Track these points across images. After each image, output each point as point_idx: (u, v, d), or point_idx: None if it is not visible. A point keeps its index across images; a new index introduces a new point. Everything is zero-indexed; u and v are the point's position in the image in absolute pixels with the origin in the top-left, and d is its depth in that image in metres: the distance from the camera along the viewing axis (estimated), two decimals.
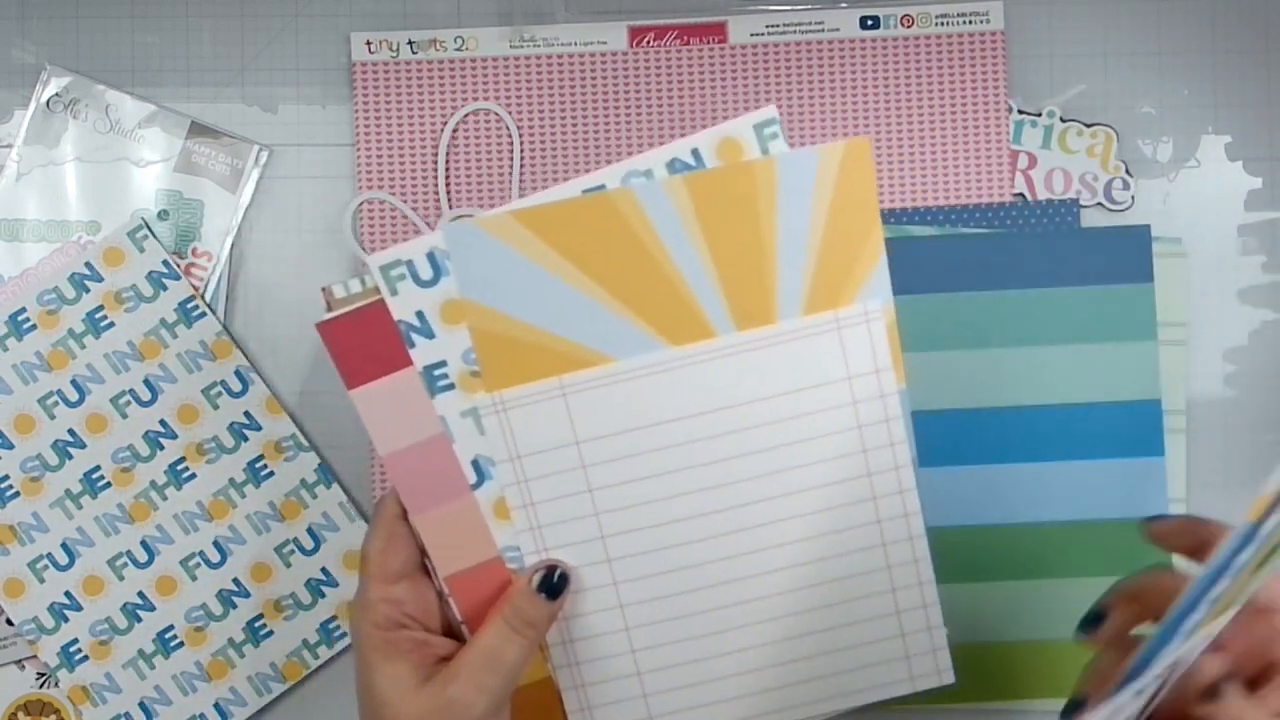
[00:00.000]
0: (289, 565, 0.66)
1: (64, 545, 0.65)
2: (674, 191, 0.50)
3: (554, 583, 0.50)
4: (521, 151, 0.67)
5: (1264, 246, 0.68)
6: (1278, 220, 0.68)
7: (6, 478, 0.65)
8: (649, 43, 0.67)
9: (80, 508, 0.65)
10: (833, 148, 0.51)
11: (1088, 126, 0.68)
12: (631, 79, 0.67)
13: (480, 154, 0.67)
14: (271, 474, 0.66)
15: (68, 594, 0.65)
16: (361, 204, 0.67)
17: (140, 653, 0.65)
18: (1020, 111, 0.68)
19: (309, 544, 0.66)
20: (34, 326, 0.65)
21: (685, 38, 0.67)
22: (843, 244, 0.52)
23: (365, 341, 0.49)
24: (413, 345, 0.50)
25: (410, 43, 0.67)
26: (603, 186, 0.50)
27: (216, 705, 0.66)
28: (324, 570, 0.66)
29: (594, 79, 0.67)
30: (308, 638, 0.66)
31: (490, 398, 0.50)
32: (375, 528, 0.51)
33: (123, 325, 0.65)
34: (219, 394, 0.66)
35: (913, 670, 0.54)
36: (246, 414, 0.66)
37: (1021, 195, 0.67)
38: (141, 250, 0.66)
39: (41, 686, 0.66)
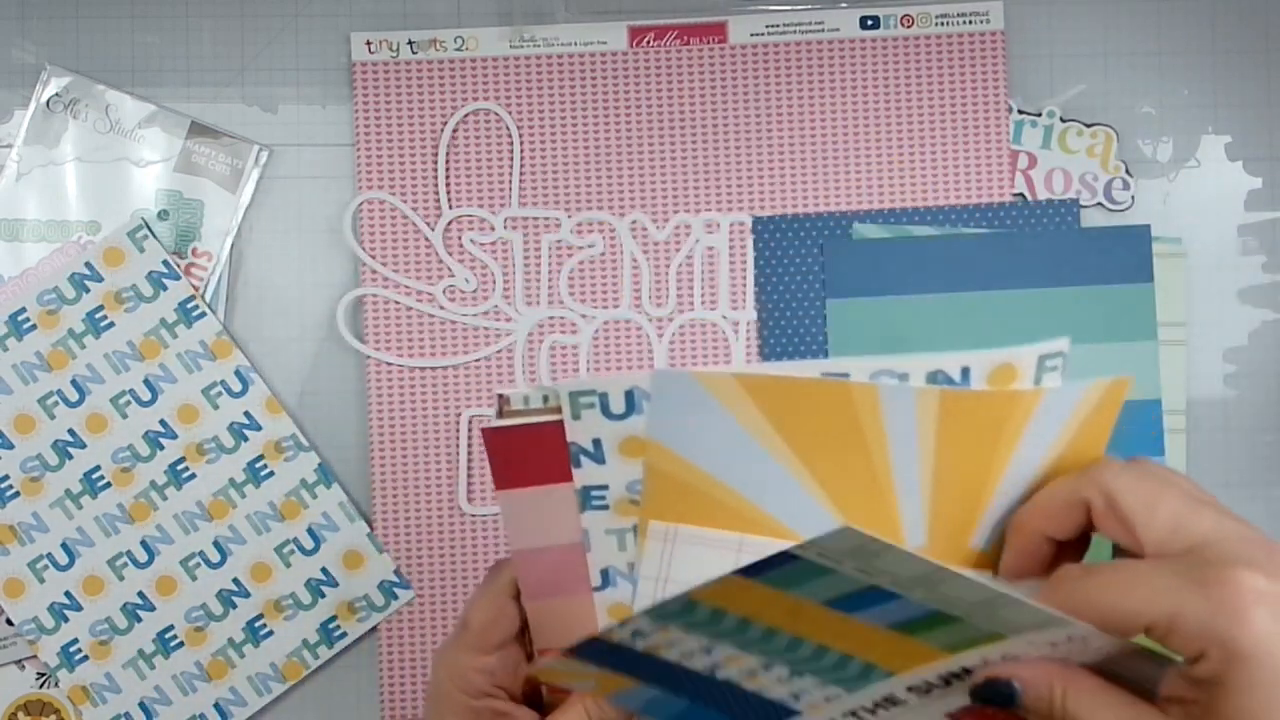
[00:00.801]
0: (289, 565, 0.66)
1: (64, 545, 0.65)
2: (925, 402, 0.45)
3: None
4: (521, 151, 0.67)
5: (1264, 246, 0.68)
6: (1278, 220, 0.68)
7: (6, 478, 0.65)
8: (649, 43, 0.67)
9: (80, 508, 0.65)
10: (1098, 385, 0.46)
11: (1088, 126, 0.68)
12: (631, 79, 0.67)
13: (480, 154, 0.67)
14: (271, 474, 0.66)
15: (68, 594, 0.65)
16: (361, 204, 0.67)
17: (140, 653, 0.65)
18: (1020, 111, 0.68)
19: (309, 544, 0.66)
20: (34, 326, 0.65)
21: (685, 38, 0.67)
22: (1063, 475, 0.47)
23: (528, 454, 0.48)
24: (578, 465, 0.49)
25: (410, 43, 0.67)
26: (847, 375, 0.46)
27: (216, 705, 0.66)
28: (324, 570, 0.66)
29: (594, 79, 0.67)
30: (308, 638, 0.66)
31: (664, 527, 0.50)
32: (484, 598, 0.50)
33: (123, 325, 0.65)
34: (219, 394, 0.66)
35: None
36: (246, 414, 0.66)
37: (1021, 195, 0.67)
38: (141, 250, 0.66)
39: (41, 686, 0.66)
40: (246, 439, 0.66)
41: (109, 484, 0.65)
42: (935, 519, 0.48)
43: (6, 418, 0.65)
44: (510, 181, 0.67)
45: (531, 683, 0.51)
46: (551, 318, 0.67)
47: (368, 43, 0.67)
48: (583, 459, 0.49)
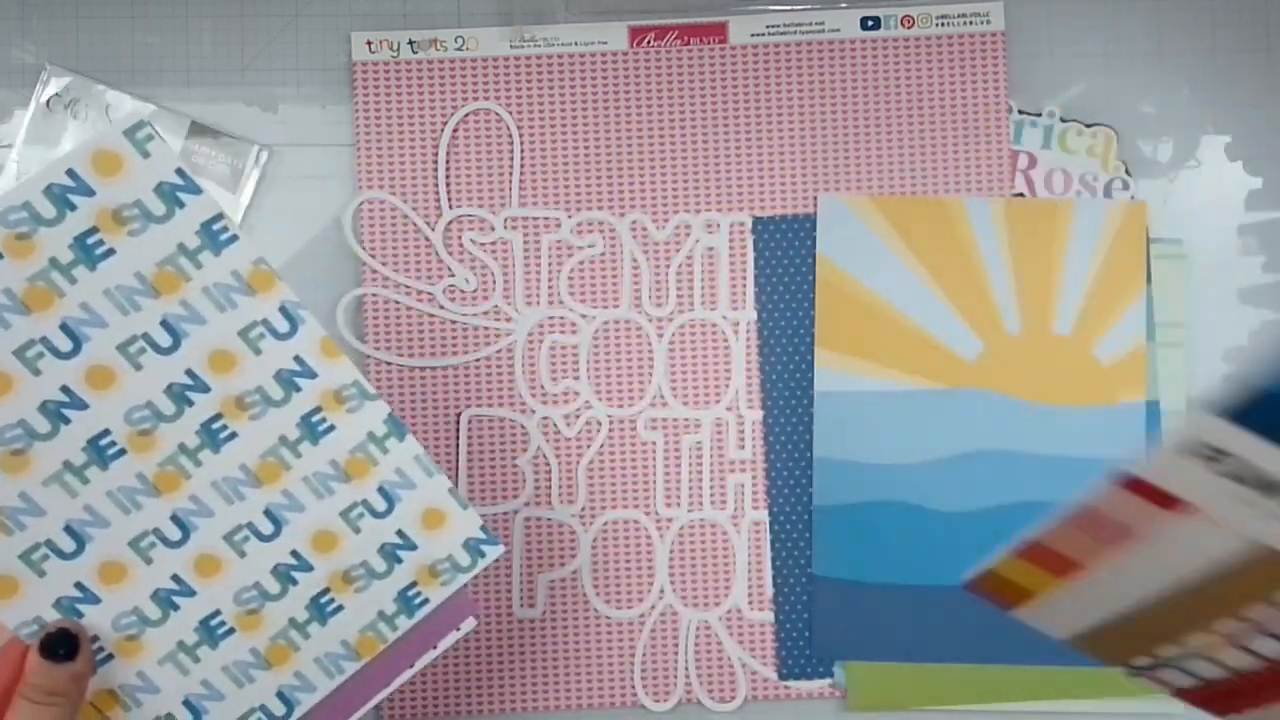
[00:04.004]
0: (357, 531, 0.57)
1: (66, 528, 0.63)
2: (995, 210, 0.66)
3: (59, 643, 0.48)
4: (521, 151, 0.67)
5: (1264, 246, 0.68)
6: (1278, 220, 0.68)
7: None
8: (649, 43, 0.67)
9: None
10: (1120, 206, 0.66)
11: (1088, 126, 0.68)
12: (631, 79, 0.67)
13: (480, 154, 0.67)
14: (332, 428, 0.56)
15: (79, 584, 0.62)
16: (361, 204, 0.67)
17: (181, 644, 0.56)
18: (1020, 111, 0.68)
19: (380, 505, 0.56)
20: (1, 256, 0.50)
21: (685, 38, 0.67)
22: (1113, 282, 0.66)
23: None
24: None
25: (410, 43, 0.67)
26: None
27: (280, 693, 0.57)
28: (399, 533, 0.57)
29: (594, 79, 0.67)
30: (384, 609, 0.57)
31: None
32: None
33: (127, 253, 0.52)
34: (261, 336, 0.54)
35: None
36: (297, 359, 0.54)
37: (1021, 195, 0.67)
38: (146, 156, 0.51)
39: None
40: (299, 389, 0.55)
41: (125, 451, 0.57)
42: (1023, 311, 0.66)
43: None
44: (510, 181, 0.67)
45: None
46: (551, 318, 0.67)
47: (368, 43, 0.67)
48: None
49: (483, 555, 0.56)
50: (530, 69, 0.67)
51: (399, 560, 0.56)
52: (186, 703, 0.55)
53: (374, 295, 0.67)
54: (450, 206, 0.67)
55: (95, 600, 0.53)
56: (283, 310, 0.53)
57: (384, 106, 0.67)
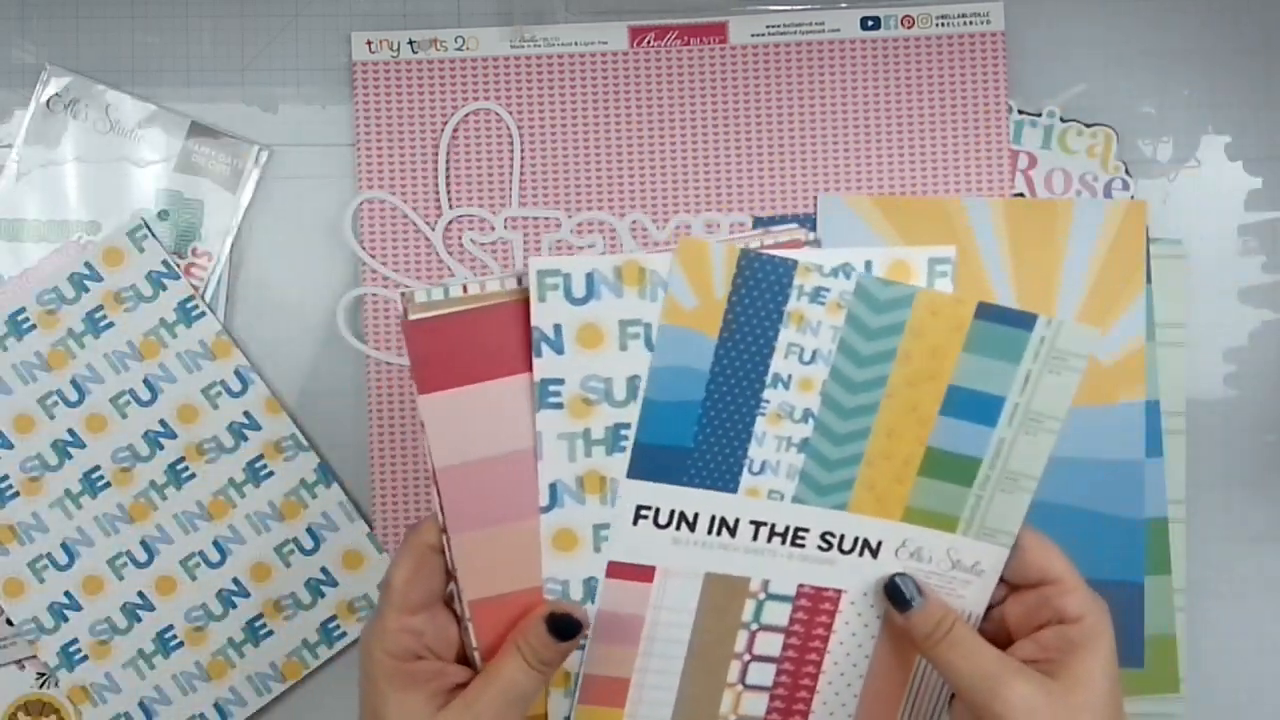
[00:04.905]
0: (289, 565, 0.66)
1: (64, 545, 0.65)
2: (994, 208, 0.66)
3: (564, 626, 0.48)
4: (521, 151, 0.67)
5: (1264, 246, 0.68)
6: (1278, 220, 0.68)
7: (6, 477, 0.65)
8: (649, 43, 0.67)
9: (80, 508, 0.65)
10: (1119, 205, 0.66)
11: (1088, 126, 0.68)
12: (631, 79, 0.67)
13: (480, 154, 0.67)
14: (271, 474, 0.66)
15: (68, 594, 0.65)
16: (361, 204, 0.67)
17: (140, 652, 0.65)
18: (1020, 111, 0.68)
19: (308, 544, 0.66)
20: (34, 326, 0.65)
21: (685, 38, 0.67)
22: (1112, 282, 0.66)
23: (448, 349, 0.47)
24: (539, 355, 0.47)
25: (410, 43, 0.67)
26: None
27: (216, 705, 0.66)
28: (324, 570, 0.66)
29: (594, 79, 0.67)
30: (308, 637, 0.66)
31: None
32: (404, 555, 0.49)
33: (122, 325, 0.65)
34: (219, 394, 0.66)
35: None
36: (246, 414, 0.66)
37: (1021, 195, 0.67)
38: (141, 250, 0.66)
39: (41, 686, 0.66)
40: (246, 439, 0.66)
41: (109, 484, 0.65)
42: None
43: (6, 418, 0.65)
44: (510, 181, 0.67)
45: (463, 647, 0.50)
46: None
47: (368, 42, 0.67)
48: (544, 347, 0.47)
49: None
50: (530, 69, 0.67)
51: (322, 595, 0.66)
52: (142, 704, 0.65)
53: (374, 295, 0.67)
54: (450, 206, 0.67)
55: (79, 608, 0.62)
56: (237, 373, 0.66)
57: (384, 106, 0.67)
